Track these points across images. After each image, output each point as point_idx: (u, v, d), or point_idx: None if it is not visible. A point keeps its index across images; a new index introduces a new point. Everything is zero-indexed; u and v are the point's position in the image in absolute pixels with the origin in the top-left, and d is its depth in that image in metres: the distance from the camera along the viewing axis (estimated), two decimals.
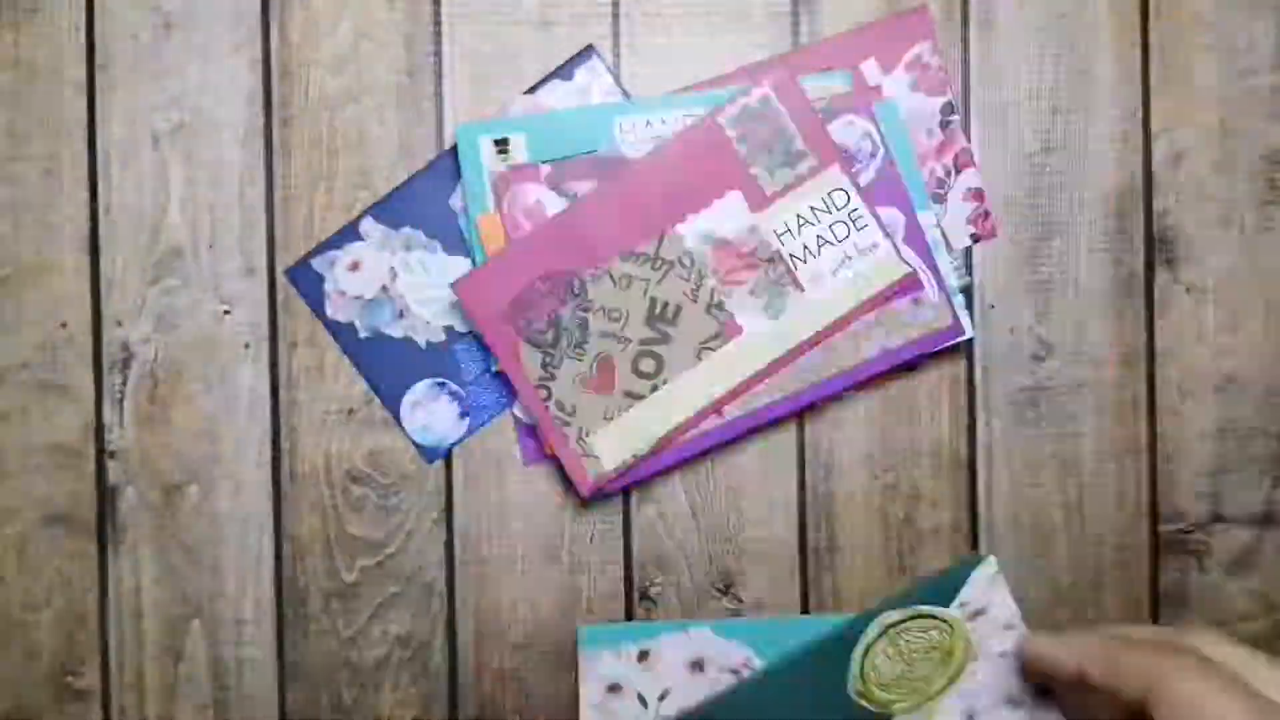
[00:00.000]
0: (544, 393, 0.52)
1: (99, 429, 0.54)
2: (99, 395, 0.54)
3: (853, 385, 0.53)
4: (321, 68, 0.54)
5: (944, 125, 0.54)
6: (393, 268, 0.54)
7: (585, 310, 0.51)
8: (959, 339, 0.53)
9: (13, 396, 0.54)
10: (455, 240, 0.54)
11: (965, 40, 0.55)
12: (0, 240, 0.53)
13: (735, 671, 0.50)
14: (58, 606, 0.54)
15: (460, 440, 0.54)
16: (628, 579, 0.54)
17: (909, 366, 0.54)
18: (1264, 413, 0.55)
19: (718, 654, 0.52)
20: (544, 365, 0.52)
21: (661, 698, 0.51)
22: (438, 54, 0.54)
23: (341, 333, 0.54)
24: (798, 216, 0.52)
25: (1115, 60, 0.55)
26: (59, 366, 0.54)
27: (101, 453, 0.54)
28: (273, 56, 0.54)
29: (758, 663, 0.51)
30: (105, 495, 0.54)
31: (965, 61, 0.55)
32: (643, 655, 0.51)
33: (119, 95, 0.54)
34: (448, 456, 0.54)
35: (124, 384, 0.54)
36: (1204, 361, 0.55)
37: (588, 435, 0.51)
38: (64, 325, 0.54)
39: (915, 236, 0.53)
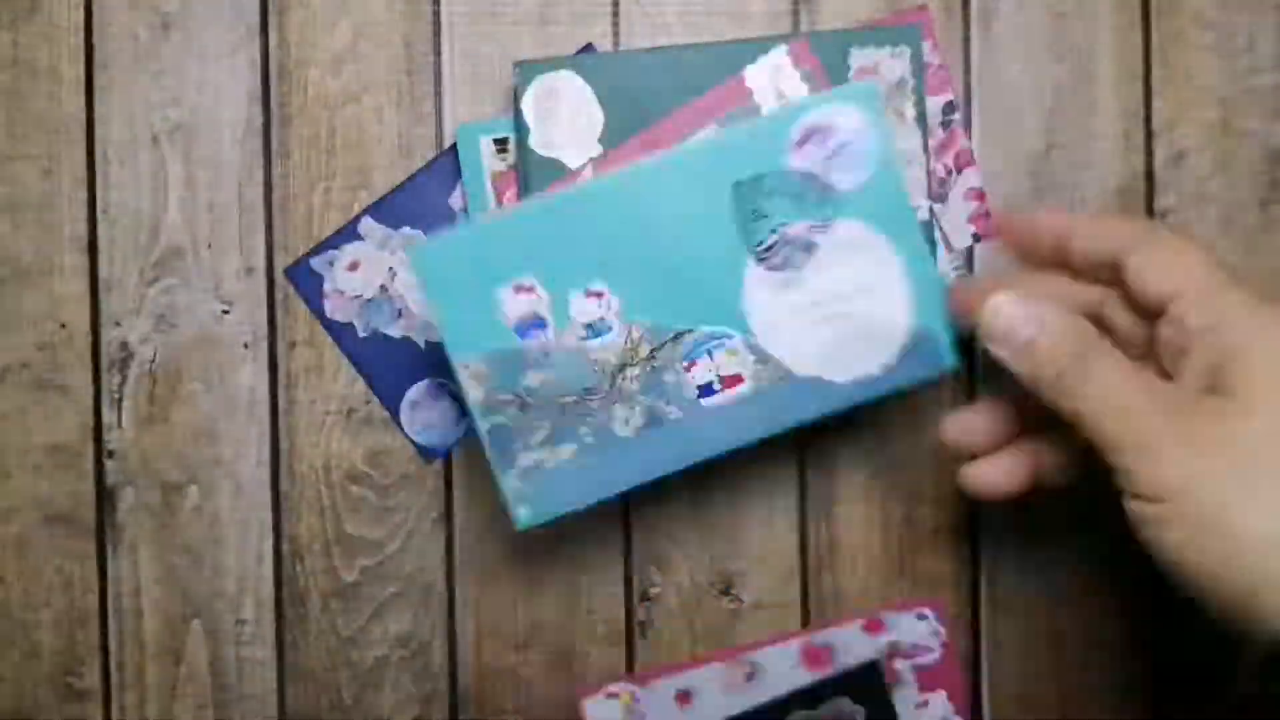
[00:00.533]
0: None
1: (98, 429, 0.54)
2: (98, 395, 0.54)
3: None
4: (320, 67, 0.54)
5: (944, 125, 0.54)
6: (392, 267, 0.54)
7: None
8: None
9: (11, 397, 0.53)
10: None
11: (966, 38, 0.55)
12: None
13: None
14: (57, 607, 0.54)
15: (460, 440, 0.54)
16: (627, 579, 0.54)
17: None
18: None
19: None
20: None
21: None
22: (437, 54, 0.54)
23: (341, 332, 0.54)
24: None
25: (1117, 59, 0.55)
26: (57, 366, 0.54)
27: (100, 453, 0.54)
28: (271, 56, 0.54)
29: None
30: (104, 495, 0.54)
31: (966, 59, 0.55)
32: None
33: (117, 95, 0.53)
34: (448, 456, 0.54)
35: (123, 384, 0.53)
36: None
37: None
38: (63, 325, 0.53)
39: None
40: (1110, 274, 0.36)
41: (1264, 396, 0.31)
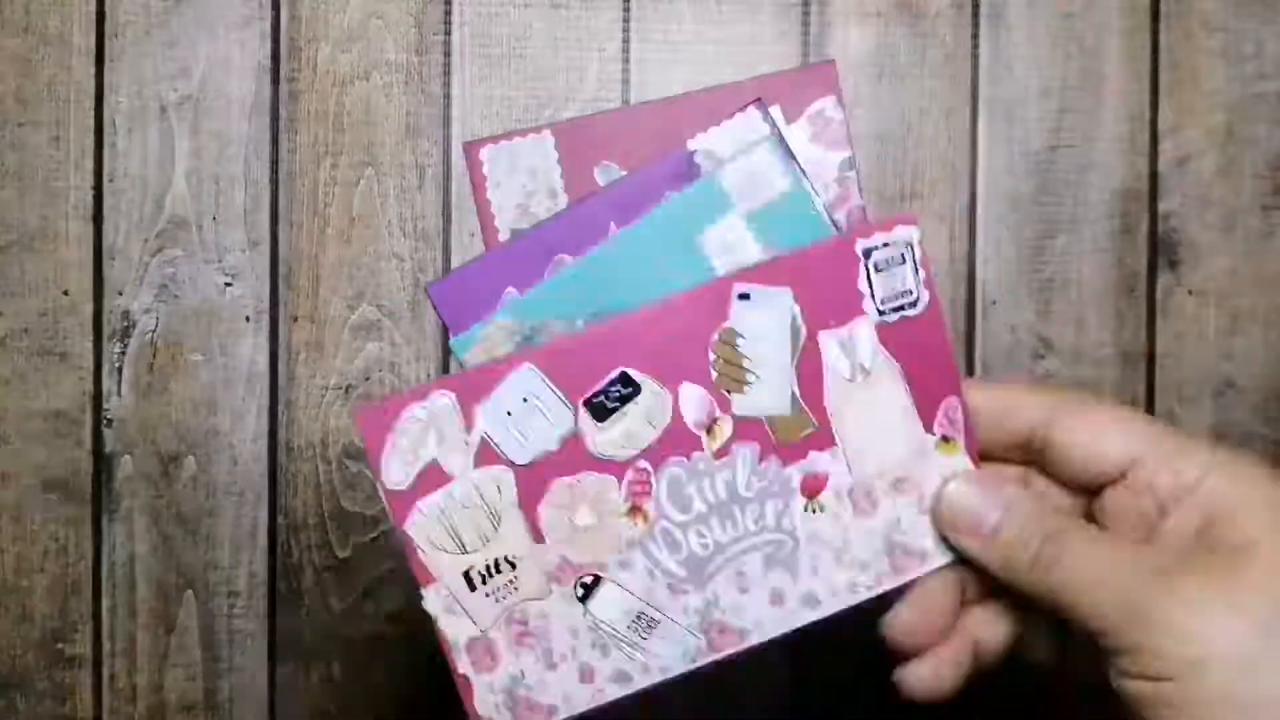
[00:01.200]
0: None
1: (97, 397, 0.54)
2: (98, 364, 0.54)
3: None
4: (330, 43, 0.54)
5: (840, 181, 0.53)
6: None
7: None
8: None
9: (13, 362, 0.54)
10: None
11: (975, 37, 0.55)
12: (5, 206, 0.53)
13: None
14: (51, 573, 0.54)
15: None
16: None
17: None
18: (1262, 417, 0.55)
19: None
20: None
21: None
22: (447, 33, 0.54)
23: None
24: None
25: (1124, 61, 0.55)
26: (60, 334, 0.54)
27: (99, 421, 0.54)
28: (282, 31, 0.54)
29: None
30: (102, 463, 0.54)
31: (975, 58, 0.55)
32: None
33: (127, 65, 0.54)
34: None
35: (124, 353, 0.54)
36: (1204, 364, 0.55)
37: None
38: (66, 293, 0.54)
39: None
40: (1024, 451, 0.33)
41: (1272, 547, 0.27)
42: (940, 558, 0.33)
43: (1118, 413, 0.31)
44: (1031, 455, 0.33)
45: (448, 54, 0.54)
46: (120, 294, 0.54)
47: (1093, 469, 0.31)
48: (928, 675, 0.33)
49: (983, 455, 0.33)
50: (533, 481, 0.31)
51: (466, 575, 0.31)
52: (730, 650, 0.32)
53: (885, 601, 0.32)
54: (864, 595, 0.33)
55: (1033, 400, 0.32)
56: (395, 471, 0.30)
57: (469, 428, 0.31)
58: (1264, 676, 0.26)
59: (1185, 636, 0.26)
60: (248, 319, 0.54)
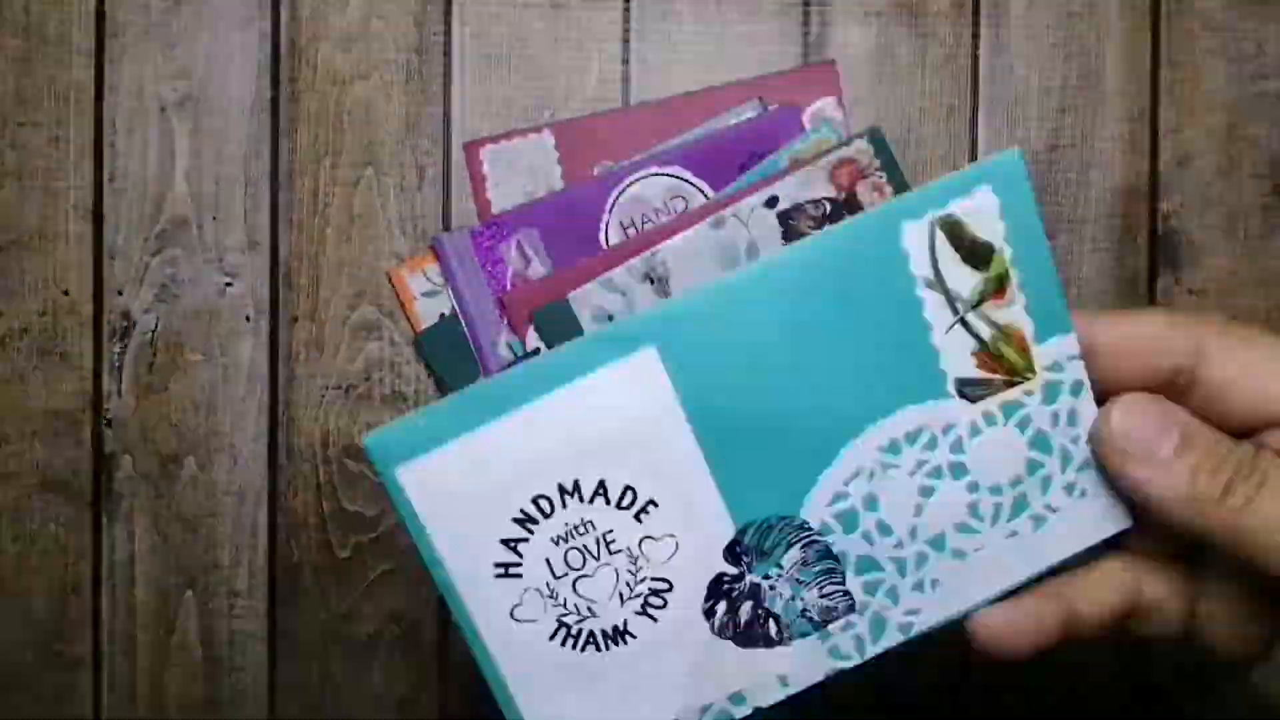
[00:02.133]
0: None
1: (97, 397, 0.54)
2: (98, 363, 0.54)
3: None
4: (331, 43, 0.54)
5: None
6: None
7: None
8: None
9: (12, 362, 0.54)
10: None
11: (975, 36, 0.55)
12: (4, 206, 0.53)
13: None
14: (51, 573, 0.54)
15: None
16: None
17: None
18: None
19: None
20: None
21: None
22: (447, 33, 0.54)
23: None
24: None
25: (1124, 61, 0.55)
26: (59, 333, 0.54)
27: (99, 421, 0.54)
28: (282, 31, 0.54)
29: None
30: (101, 464, 0.54)
31: (974, 57, 0.55)
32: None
33: (127, 65, 0.54)
34: None
35: (123, 353, 0.54)
36: None
37: None
38: (65, 292, 0.54)
39: None
40: (1167, 394, 0.28)
41: None
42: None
43: (1278, 343, 0.27)
44: (1175, 397, 0.28)
45: (448, 54, 0.54)
46: (120, 294, 0.54)
47: (1256, 409, 0.26)
48: (1001, 622, 0.29)
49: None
50: None
51: None
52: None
53: None
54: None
55: (1174, 333, 0.28)
56: None
57: None
58: None
59: None
60: (248, 319, 0.54)
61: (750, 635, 0.32)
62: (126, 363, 0.54)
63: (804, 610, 0.32)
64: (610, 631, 0.32)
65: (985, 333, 0.31)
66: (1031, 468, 0.31)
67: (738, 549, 0.31)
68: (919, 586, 0.32)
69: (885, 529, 0.31)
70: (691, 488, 0.31)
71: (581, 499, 0.31)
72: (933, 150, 0.54)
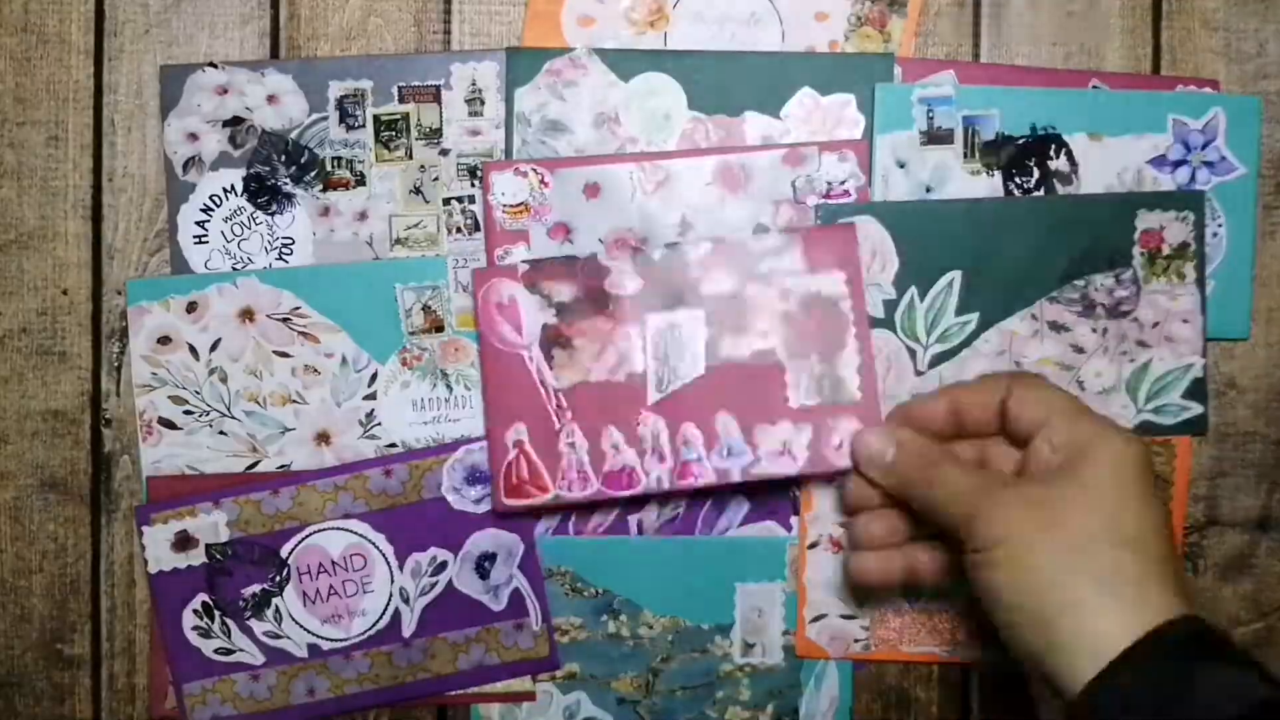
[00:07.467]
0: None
1: (96, 397, 0.54)
2: (97, 363, 0.54)
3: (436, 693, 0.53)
4: (330, 43, 0.54)
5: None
6: None
7: None
8: (551, 670, 0.53)
9: (11, 362, 0.53)
10: None
11: (976, 35, 0.55)
12: (3, 205, 0.53)
13: (286, 319, 0.52)
14: (50, 573, 0.54)
15: None
16: None
17: None
18: (1263, 417, 0.55)
19: (267, 302, 0.52)
20: None
21: (212, 348, 0.52)
22: (446, 32, 0.54)
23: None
24: None
25: (1126, 61, 0.55)
26: (58, 333, 0.54)
27: (98, 421, 0.54)
28: (281, 30, 0.54)
29: (308, 309, 0.52)
30: (100, 463, 0.54)
31: (975, 58, 0.55)
32: (191, 307, 0.51)
33: (126, 64, 0.54)
34: None
35: (122, 352, 0.53)
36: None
37: None
38: (64, 292, 0.53)
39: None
40: (991, 424, 0.47)
41: (1094, 479, 0.42)
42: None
43: (1045, 385, 0.46)
44: (996, 427, 0.47)
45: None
46: (119, 293, 0.53)
47: (1021, 428, 0.46)
48: (868, 561, 0.48)
49: (980, 429, 0.48)
50: None
51: None
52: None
53: None
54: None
55: (997, 381, 0.47)
56: None
57: None
58: (1038, 551, 0.41)
59: (994, 522, 0.42)
60: None
61: None
62: (125, 362, 0.53)
63: None
64: None
65: None
66: None
67: None
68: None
69: None
70: None
71: None
72: None
